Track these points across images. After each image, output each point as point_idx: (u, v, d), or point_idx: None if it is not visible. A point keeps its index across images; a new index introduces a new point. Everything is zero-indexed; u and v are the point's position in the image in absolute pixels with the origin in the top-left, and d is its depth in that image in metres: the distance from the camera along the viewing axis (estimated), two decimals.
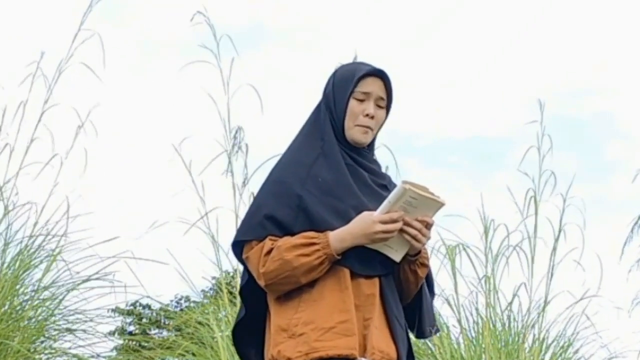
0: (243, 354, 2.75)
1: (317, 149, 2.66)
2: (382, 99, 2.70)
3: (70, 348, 5.24)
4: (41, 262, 5.28)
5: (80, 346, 5.27)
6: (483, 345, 5.17)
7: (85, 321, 5.26)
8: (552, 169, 5.51)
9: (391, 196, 2.53)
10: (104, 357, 5.40)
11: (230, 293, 5.21)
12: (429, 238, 2.61)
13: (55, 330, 5.24)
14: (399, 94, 2.75)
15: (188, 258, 5.28)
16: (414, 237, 2.56)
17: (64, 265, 5.26)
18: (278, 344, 2.53)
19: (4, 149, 5.43)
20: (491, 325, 5.20)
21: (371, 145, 2.78)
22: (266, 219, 2.57)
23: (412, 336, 2.75)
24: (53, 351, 5.17)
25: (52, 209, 5.37)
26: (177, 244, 5.20)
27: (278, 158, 2.74)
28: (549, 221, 5.41)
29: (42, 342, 5.17)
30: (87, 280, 5.29)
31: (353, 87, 2.67)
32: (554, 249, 5.38)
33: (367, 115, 2.67)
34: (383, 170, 2.85)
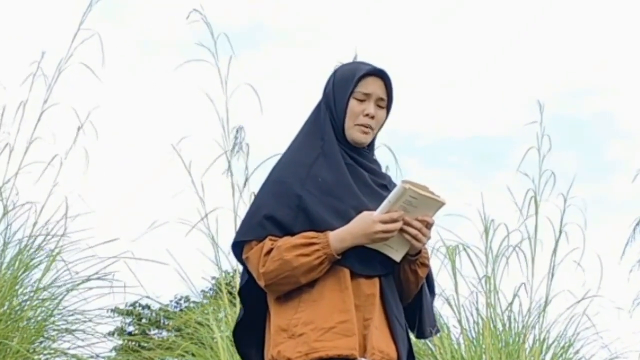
0: (244, 355, 2.75)
1: (317, 149, 2.66)
2: (382, 99, 2.70)
3: (69, 348, 5.23)
4: (40, 262, 5.27)
5: (79, 346, 5.26)
6: (483, 346, 5.17)
7: (85, 321, 5.25)
8: (552, 169, 5.51)
9: (391, 196, 2.52)
10: (103, 357, 5.39)
11: (230, 293, 5.20)
12: (429, 238, 2.60)
13: (54, 330, 5.23)
14: (399, 94, 2.75)
15: (188, 258, 5.28)
16: (414, 237, 2.56)
17: (63, 266, 5.25)
18: (278, 344, 2.52)
19: (4, 148, 5.42)
20: (492, 326, 5.19)
21: (371, 145, 2.77)
22: (266, 219, 2.56)
23: (412, 336, 2.74)
24: (52, 351, 5.16)
25: (51, 209, 5.37)
26: (177, 245, 5.20)
27: (278, 158, 2.74)
28: (549, 221, 5.41)
29: (41, 342, 5.16)
30: (87, 280, 5.28)
31: (353, 87, 2.67)
32: (555, 249, 5.37)
33: (367, 115, 2.67)
34: (383, 170, 2.84)
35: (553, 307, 5.32)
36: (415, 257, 2.64)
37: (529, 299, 5.32)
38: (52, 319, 5.22)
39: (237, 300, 5.01)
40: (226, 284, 5.31)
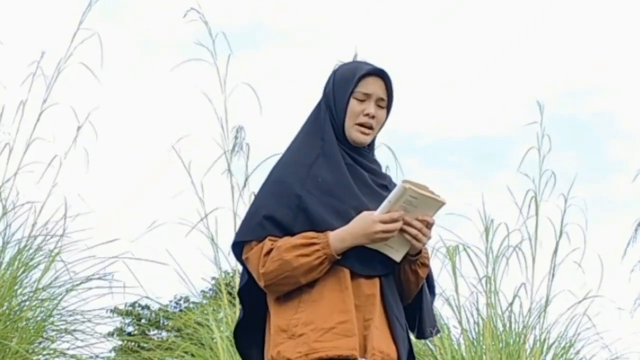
0: (244, 355, 2.74)
1: (317, 149, 2.65)
2: (382, 99, 2.69)
3: (68, 349, 5.23)
4: (40, 262, 5.26)
5: (78, 347, 5.25)
6: (484, 346, 5.16)
7: (84, 322, 5.25)
8: (552, 169, 5.50)
9: (391, 196, 2.51)
10: (103, 358, 5.38)
11: (230, 294, 5.19)
12: (429, 237, 2.60)
13: (53, 331, 5.23)
14: (399, 94, 2.74)
15: (187, 259, 5.27)
16: (414, 237, 2.55)
17: (62, 266, 5.24)
18: (278, 344, 2.52)
19: (4, 148, 5.42)
20: (492, 326, 5.18)
21: (371, 145, 2.77)
22: (266, 220, 2.56)
23: (412, 337, 2.73)
24: (51, 352, 5.15)
25: (51, 209, 5.36)
26: (177, 245, 5.19)
27: (278, 157, 2.73)
28: (550, 221, 5.40)
29: (40, 343, 5.16)
30: (86, 281, 5.27)
31: (353, 87, 2.66)
32: (556, 249, 5.36)
33: (367, 115, 2.66)
34: (383, 170, 2.84)
35: (554, 308, 5.32)
36: (416, 257, 2.63)
37: (529, 299, 5.31)
38: (52, 319, 5.21)
39: (237, 301, 5.01)
40: (226, 284, 5.30)
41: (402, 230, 2.53)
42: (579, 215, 5.39)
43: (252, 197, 4.89)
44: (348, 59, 4.23)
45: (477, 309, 5.30)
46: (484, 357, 5.12)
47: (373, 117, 2.67)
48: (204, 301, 6.60)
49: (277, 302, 2.57)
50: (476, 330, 5.29)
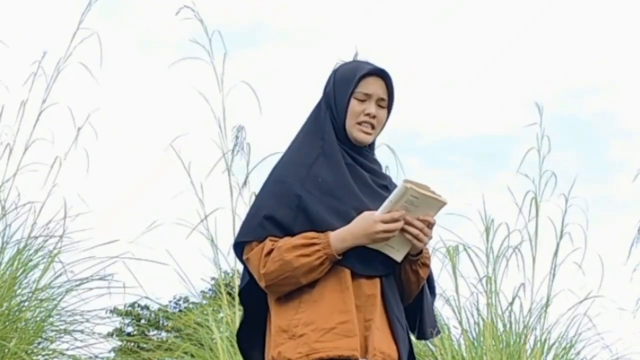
0: (246, 356, 2.73)
1: (318, 149, 2.64)
2: (383, 99, 2.68)
3: (68, 349, 5.22)
4: (39, 263, 5.25)
5: (78, 347, 5.25)
6: (484, 347, 5.15)
7: (83, 322, 5.24)
8: (553, 169, 5.50)
9: (393, 195, 2.51)
10: (102, 358, 5.37)
11: (230, 294, 5.18)
12: (430, 237, 2.59)
13: (53, 331, 5.22)
14: (399, 93, 2.73)
15: (187, 259, 5.26)
16: (415, 237, 2.54)
17: (62, 267, 5.23)
18: (278, 345, 2.51)
19: (5, 149, 5.41)
20: (492, 327, 5.17)
21: (371, 145, 2.76)
22: (266, 220, 2.55)
23: (412, 337, 2.72)
24: (50, 352, 5.14)
25: (50, 210, 5.35)
26: (176, 245, 5.18)
27: (277, 156, 2.72)
28: (551, 221, 5.39)
29: (39, 343, 5.15)
30: (86, 281, 5.26)
31: (354, 87, 2.65)
32: (556, 249, 5.35)
33: (368, 114, 2.65)
34: (382, 170, 2.82)
35: (554, 308, 5.31)
36: (417, 257, 2.62)
37: (530, 299, 5.30)
38: (51, 319, 5.20)
39: (237, 301, 5.00)
40: (225, 284, 5.29)
41: (403, 230, 2.53)
42: (579, 215, 5.38)
43: (253, 198, 4.89)
44: (348, 58, 4.22)
45: (478, 310, 5.29)
46: (485, 357, 5.11)
47: (374, 117, 2.66)
48: (204, 301, 6.60)
49: (277, 302, 2.56)
50: (476, 330, 5.28)
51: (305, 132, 2.71)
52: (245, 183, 5.15)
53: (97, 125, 5.50)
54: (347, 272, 2.53)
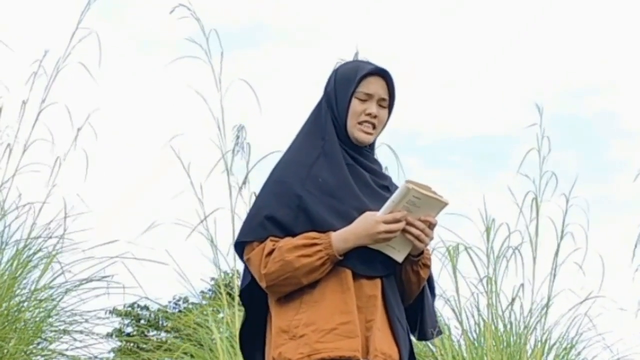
0: (248, 357, 2.73)
1: (318, 149, 2.64)
2: (384, 99, 2.68)
3: (67, 350, 5.22)
4: (39, 263, 5.24)
5: (77, 348, 5.24)
6: (485, 347, 5.14)
7: (82, 322, 5.23)
8: (553, 169, 5.49)
9: (394, 196, 2.50)
10: (102, 359, 5.36)
11: (229, 294, 5.17)
12: (431, 238, 2.59)
13: (52, 331, 5.21)
14: (400, 93, 2.72)
15: (186, 259, 5.26)
16: (416, 237, 2.54)
17: (62, 267, 5.22)
18: (279, 345, 2.50)
19: (6, 149, 5.40)
20: (493, 327, 5.16)
21: (372, 145, 2.76)
22: (267, 220, 2.54)
23: (413, 338, 2.72)
24: (50, 353, 5.14)
25: (50, 210, 5.35)
26: (176, 245, 5.18)
27: (277, 155, 2.71)
28: (552, 222, 5.38)
29: (38, 343, 5.14)
30: (85, 282, 5.25)
31: (355, 87, 2.64)
32: (557, 249, 5.34)
33: (369, 114, 2.65)
34: (383, 170, 2.81)
35: (555, 308, 5.30)
36: (418, 258, 2.62)
37: (530, 300, 5.29)
38: (50, 320, 5.19)
39: (236, 302, 4.99)
40: (225, 284, 5.28)
41: (404, 231, 2.52)
42: (580, 215, 5.37)
43: (253, 198, 4.89)
44: (349, 58, 4.22)
45: (478, 310, 5.28)
46: (485, 358, 5.11)
47: (375, 116, 2.65)
48: (204, 302, 6.59)
49: (278, 303, 2.56)
50: (477, 331, 5.27)
51: (305, 132, 2.70)
52: (244, 182, 5.14)
53: (97, 125, 5.50)
54: (349, 273, 2.52)
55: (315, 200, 2.54)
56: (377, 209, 2.52)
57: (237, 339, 4.59)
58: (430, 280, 2.75)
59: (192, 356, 5.13)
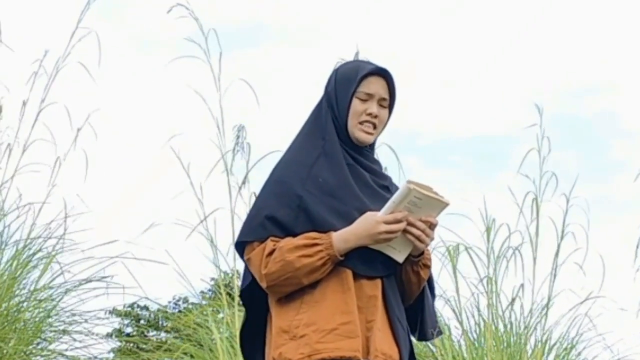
0: (248, 357, 2.72)
1: (319, 148, 2.63)
2: (384, 99, 2.68)
3: (66, 350, 5.21)
4: (38, 263, 5.24)
5: (77, 348, 5.23)
6: (485, 347, 5.13)
7: (82, 323, 5.22)
8: (554, 169, 5.49)
9: (396, 196, 2.49)
10: (101, 359, 5.36)
11: (229, 294, 5.16)
12: (432, 239, 2.58)
13: (51, 332, 5.20)
14: (400, 93, 2.71)
15: (186, 259, 5.25)
16: (417, 238, 2.54)
17: (61, 267, 5.21)
18: (279, 345, 2.49)
19: (6, 149, 5.39)
20: (493, 327, 5.16)
21: (372, 145, 2.75)
22: (267, 220, 2.54)
23: (413, 338, 2.71)
24: (49, 353, 5.13)
25: (49, 210, 5.34)
26: (176, 246, 5.17)
27: (276, 155, 2.71)
28: (552, 222, 5.37)
29: (38, 344, 5.13)
30: (85, 282, 5.25)
31: (356, 87, 2.64)
32: (557, 249, 5.34)
33: (370, 114, 2.64)
34: (383, 170, 2.81)
35: (555, 309, 5.30)
36: (418, 259, 2.61)
37: (530, 300, 5.28)
38: (50, 320, 5.19)
39: (236, 302, 4.99)
40: (225, 285, 5.27)
41: (405, 231, 2.52)
42: (580, 215, 5.37)
43: (252, 198, 4.88)
44: (349, 57, 4.21)
45: (478, 310, 5.28)
46: (485, 358, 5.10)
47: (376, 116, 2.65)
48: (203, 302, 6.58)
49: (278, 303, 2.55)
50: (477, 331, 5.26)
51: (306, 132, 2.70)
52: (244, 182, 5.13)
53: (97, 125, 5.49)
54: (349, 273, 2.51)
55: (316, 200, 2.54)
56: (378, 209, 2.52)
57: (237, 339, 4.59)
58: (430, 281, 2.75)
59: (192, 356, 5.13)
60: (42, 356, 5.12)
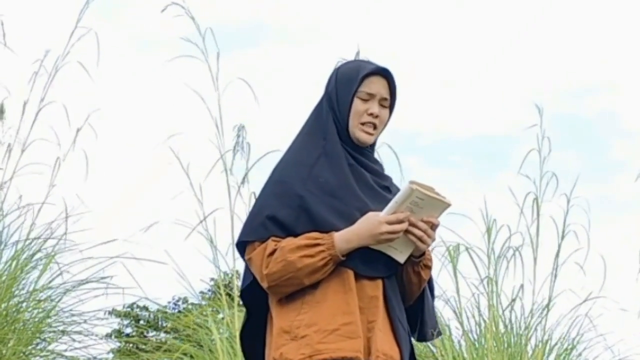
0: (248, 357, 2.72)
1: (319, 148, 2.63)
2: (385, 99, 2.67)
3: (66, 350, 5.20)
4: (38, 264, 5.23)
5: (76, 348, 5.23)
6: (485, 348, 5.12)
7: (81, 323, 5.22)
8: (554, 169, 5.48)
9: (398, 196, 2.49)
10: (101, 359, 5.35)
11: (229, 295, 5.16)
12: (434, 239, 2.58)
13: (51, 332, 5.20)
14: (400, 93, 2.71)
15: (186, 259, 5.24)
16: (419, 238, 2.53)
17: (60, 268, 5.21)
18: (280, 346, 2.49)
19: (7, 150, 5.39)
20: (493, 327, 5.15)
21: (373, 145, 2.75)
22: (268, 220, 2.53)
23: (413, 339, 2.71)
24: (49, 353, 5.12)
25: (49, 210, 5.33)
26: (175, 246, 5.16)
27: (276, 154, 2.70)
28: (553, 221, 5.37)
29: (37, 344, 5.12)
30: (85, 282, 5.24)
31: (357, 87, 2.63)
32: (558, 249, 5.33)
33: (371, 114, 2.64)
34: (384, 170, 2.80)
35: (556, 309, 5.29)
36: (419, 259, 2.61)
37: (531, 300, 5.28)
38: (49, 320, 5.18)
39: (236, 302, 4.98)
40: (224, 285, 5.26)
41: (406, 232, 2.51)
42: (581, 215, 5.36)
43: (252, 198, 4.87)
44: (349, 57, 4.20)
45: (479, 310, 5.27)
46: (486, 358, 5.09)
47: (377, 116, 2.64)
48: (203, 302, 6.58)
49: (279, 303, 2.54)
50: (478, 331, 5.26)
51: (306, 132, 2.69)
52: (244, 182, 5.12)
53: (96, 125, 5.49)
54: (351, 274, 2.51)
55: (317, 200, 2.53)
56: (379, 210, 2.51)
57: (237, 339, 4.58)
58: (430, 281, 2.74)
59: (191, 357, 5.12)
60: (41, 356, 5.11)
